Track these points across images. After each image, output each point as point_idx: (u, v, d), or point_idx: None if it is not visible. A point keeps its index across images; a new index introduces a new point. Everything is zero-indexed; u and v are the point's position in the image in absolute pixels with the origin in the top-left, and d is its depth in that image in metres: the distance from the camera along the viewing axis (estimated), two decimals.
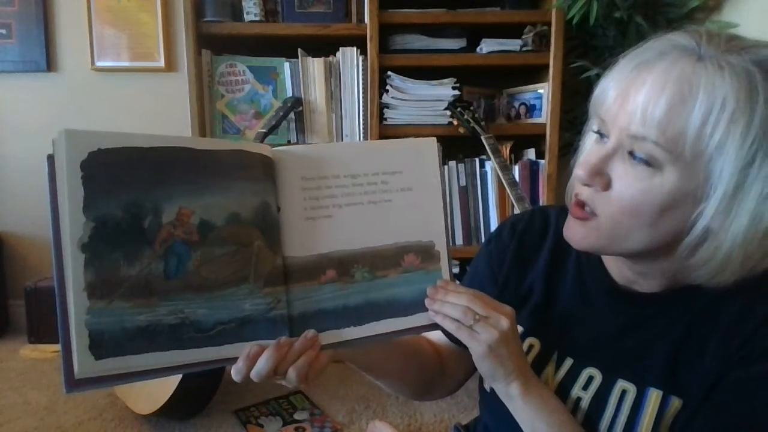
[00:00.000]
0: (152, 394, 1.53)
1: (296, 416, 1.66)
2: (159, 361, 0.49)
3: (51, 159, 0.46)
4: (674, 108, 0.50)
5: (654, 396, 0.59)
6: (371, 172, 0.60)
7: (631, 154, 0.54)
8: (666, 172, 0.52)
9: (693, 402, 0.58)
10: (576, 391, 0.64)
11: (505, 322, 0.57)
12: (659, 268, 0.60)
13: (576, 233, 0.60)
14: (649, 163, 0.53)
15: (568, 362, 0.66)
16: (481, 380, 0.75)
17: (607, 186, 0.56)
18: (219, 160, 0.52)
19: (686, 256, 0.55)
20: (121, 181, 0.48)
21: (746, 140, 0.49)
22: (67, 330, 0.46)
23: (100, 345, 0.46)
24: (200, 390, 1.64)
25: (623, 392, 0.61)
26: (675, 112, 0.50)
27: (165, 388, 1.50)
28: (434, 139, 0.63)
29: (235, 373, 0.52)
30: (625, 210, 0.55)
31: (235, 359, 0.52)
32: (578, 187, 0.59)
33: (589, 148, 0.61)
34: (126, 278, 0.47)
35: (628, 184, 0.54)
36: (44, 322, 2.18)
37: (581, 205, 0.59)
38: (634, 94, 0.53)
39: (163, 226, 0.49)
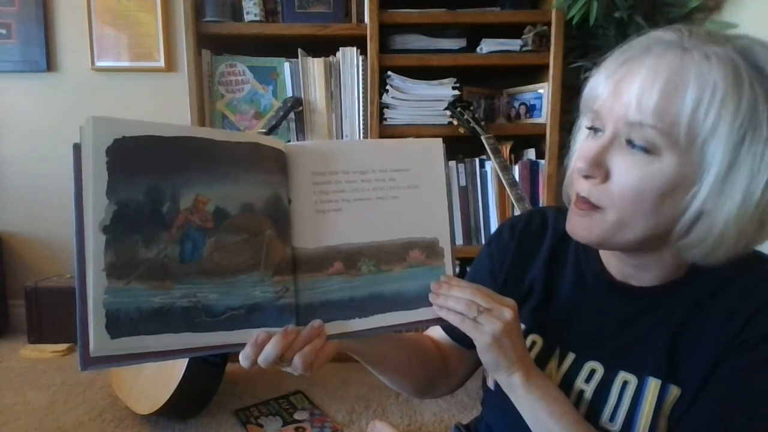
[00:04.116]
0: (152, 394, 1.53)
1: (296, 416, 1.66)
2: (171, 342, 0.50)
3: (77, 147, 0.48)
4: (667, 96, 0.52)
5: (653, 385, 0.61)
6: (379, 168, 0.61)
7: (630, 142, 0.55)
8: (664, 158, 0.53)
9: (691, 389, 0.59)
10: (579, 384, 0.65)
11: (508, 313, 0.58)
12: (657, 259, 0.61)
13: (579, 226, 0.61)
14: (647, 150, 0.54)
15: (571, 357, 0.67)
16: (484, 379, 0.75)
17: (607, 177, 0.57)
18: (236, 152, 0.54)
19: (682, 235, 0.56)
20: (143, 167, 0.49)
21: (735, 122, 0.51)
22: (84, 309, 0.47)
23: (116, 324, 0.48)
24: (200, 390, 1.63)
25: (624, 383, 0.62)
26: (669, 100, 0.52)
27: (165, 388, 1.49)
28: (440, 139, 0.64)
29: (243, 358, 0.54)
30: (627, 198, 0.55)
31: (243, 345, 0.53)
32: (578, 184, 0.60)
33: (583, 143, 0.62)
34: (143, 260, 0.49)
35: (628, 172, 0.55)
36: (44, 322, 2.17)
37: (583, 200, 0.59)
38: (627, 86, 0.55)
39: (180, 212, 0.51)
